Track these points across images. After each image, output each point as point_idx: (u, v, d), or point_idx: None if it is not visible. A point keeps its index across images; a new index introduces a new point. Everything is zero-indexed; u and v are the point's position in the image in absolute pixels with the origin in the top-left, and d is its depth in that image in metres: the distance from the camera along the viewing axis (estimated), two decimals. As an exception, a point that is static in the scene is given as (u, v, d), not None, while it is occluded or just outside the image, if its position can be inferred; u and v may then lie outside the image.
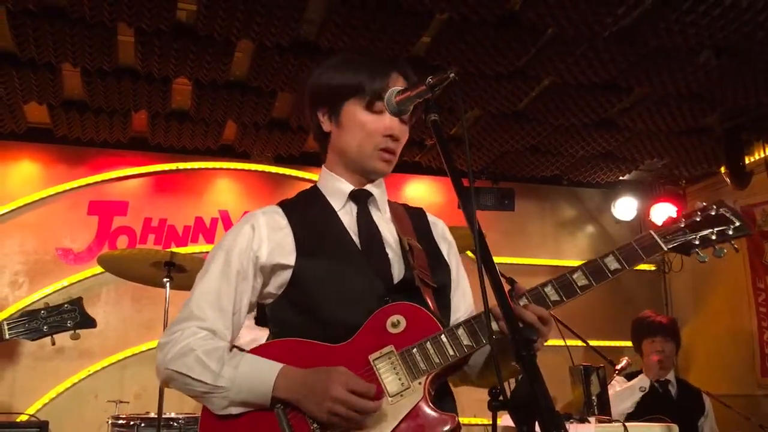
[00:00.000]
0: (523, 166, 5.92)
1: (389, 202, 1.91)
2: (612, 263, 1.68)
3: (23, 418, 4.73)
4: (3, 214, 5.18)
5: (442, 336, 1.60)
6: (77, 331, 2.90)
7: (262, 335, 2.50)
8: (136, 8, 3.57)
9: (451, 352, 1.59)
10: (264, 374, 1.57)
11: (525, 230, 6.28)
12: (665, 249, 1.73)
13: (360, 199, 1.82)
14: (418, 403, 1.56)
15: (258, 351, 1.66)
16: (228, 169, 5.73)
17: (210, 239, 5.51)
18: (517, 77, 4.39)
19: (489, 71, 4.23)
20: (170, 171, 5.60)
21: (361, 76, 1.75)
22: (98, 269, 4.95)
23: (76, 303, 2.90)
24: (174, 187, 5.61)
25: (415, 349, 1.59)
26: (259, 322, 3.41)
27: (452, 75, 1.45)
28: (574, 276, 1.66)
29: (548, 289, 1.65)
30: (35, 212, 5.26)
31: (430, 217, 1.97)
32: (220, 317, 1.69)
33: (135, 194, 5.51)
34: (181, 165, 5.61)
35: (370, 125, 1.74)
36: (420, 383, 1.57)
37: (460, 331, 1.61)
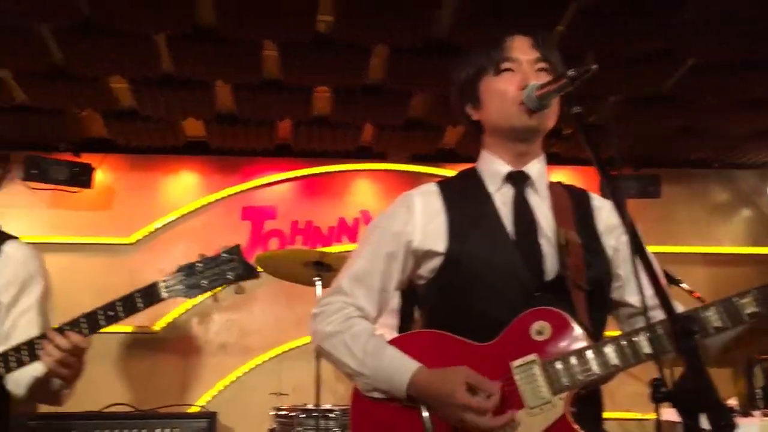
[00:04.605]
0: (669, 151, 5.65)
1: (551, 183, 1.81)
2: None
3: (194, 409, 5.14)
4: (170, 222, 5.64)
5: (589, 352, 1.50)
6: (241, 284, 2.38)
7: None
8: (279, 23, 3.78)
9: (597, 371, 1.48)
10: (400, 373, 1.59)
11: (673, 217, 5.97)
12: None
13: (517, 181, 1.75)
14: (557, 419, 1.48)
15: (402, 341, 1.68)
16: (367, 170, 5.91)
17: (353, 238, 5.70)
18: (661, 58, 4.21)
19: (629, 54, 4.09)
20: (313, 175, 5.86)
21: (481, 57, 1.77)
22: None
23: (234, 251, 2.39)
24: (317, 190, 5.86)
25: (558, 363, 1.50)
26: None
27: (594, 67, 1.43)
28: (743, 301, 1.45)
29: (710, 314, 1.46)
30: (197, 219, 5.69)
31: (596, 201, 1.83)
32: (367, 295, 1.75)
33: (282, 198, 5.81)
34: (323, 169, 5.85)
35: (502, 86, 1.71)
36: (561, 399, 1.49)
37: (608, 350, 1.49)
